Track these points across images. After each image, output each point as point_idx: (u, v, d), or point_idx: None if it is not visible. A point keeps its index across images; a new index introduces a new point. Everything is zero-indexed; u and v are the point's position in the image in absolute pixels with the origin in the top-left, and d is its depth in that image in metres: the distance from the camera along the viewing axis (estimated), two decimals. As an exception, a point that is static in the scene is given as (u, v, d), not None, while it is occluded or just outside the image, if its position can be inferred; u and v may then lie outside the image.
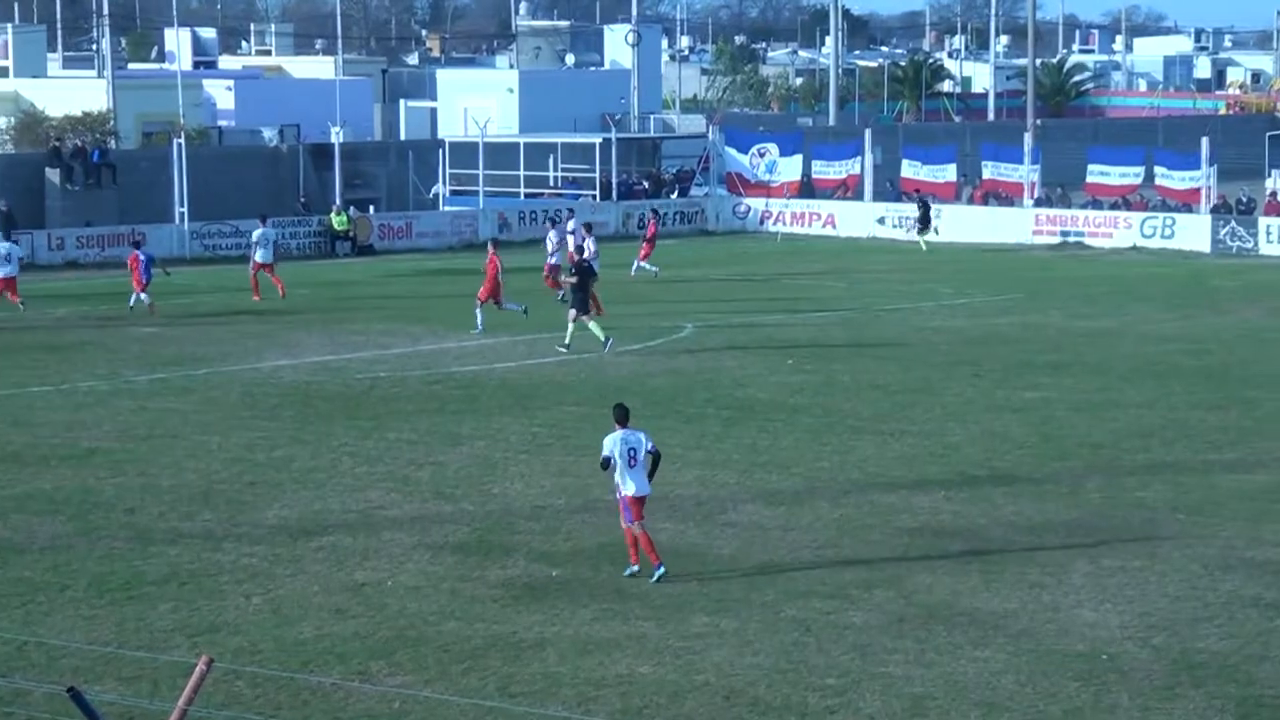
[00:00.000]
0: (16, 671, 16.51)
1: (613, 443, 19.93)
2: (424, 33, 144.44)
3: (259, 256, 45.62)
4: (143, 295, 44.33)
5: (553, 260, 46.04)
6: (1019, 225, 62.33)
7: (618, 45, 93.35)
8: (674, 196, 69.25)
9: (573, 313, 36.55)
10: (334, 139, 61.98)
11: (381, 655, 17.37)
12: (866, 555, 21.09)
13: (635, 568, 20.19)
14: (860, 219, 64.75)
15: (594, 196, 67.18)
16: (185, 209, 56.28)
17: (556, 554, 21.11)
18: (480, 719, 15.75)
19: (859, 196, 66.45)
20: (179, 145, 57.27)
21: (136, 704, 15.33)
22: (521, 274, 44.90)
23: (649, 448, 19.98)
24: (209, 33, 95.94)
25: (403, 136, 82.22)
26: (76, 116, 65.34)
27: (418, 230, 60.50)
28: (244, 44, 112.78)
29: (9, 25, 79.52)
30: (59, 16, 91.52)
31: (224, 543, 21.46)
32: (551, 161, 71.23)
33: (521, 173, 69.38)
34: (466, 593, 19.52)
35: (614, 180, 66.49)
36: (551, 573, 20.32)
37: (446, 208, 65.32)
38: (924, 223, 60.85)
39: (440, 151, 67.90)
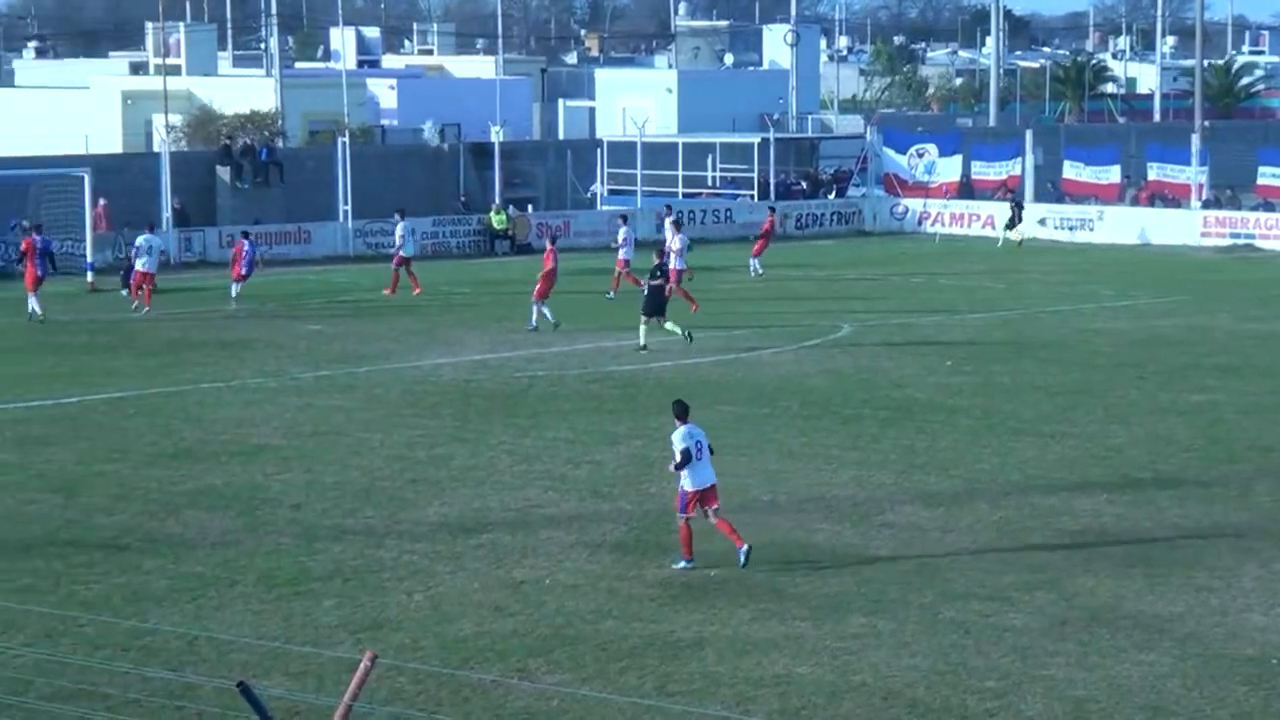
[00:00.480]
0: (187, 666, 16.79)
1: (683, 438, 20.20)
2: (583, 32, 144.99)
3: (405, 251, 46.38)
4: (238, 286, 45.10)
5: (622, 255, 46.07)
6: (1185, 227, 61.39)
7: (776, 45, 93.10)
8: (831, 197, 69.01)
9: (645, 316, 36.38)
10: (494, 138, 62.43)
11: (540, 653, 17.47)
12: (1027, 557, 20.89)
13: (688, 563, 20.29)
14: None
15: (751, 196, 67.09)
16: (349, 207, 56.94)
17: (713, 554, 21.07)
18: (638, 718, 15.80)
19: (1019, 197, 65.76)
20: (343, 144, 57.97)
21: (303, 699, 15.53)
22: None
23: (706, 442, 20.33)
24: (373, 32, 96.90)
25: (561, 136, 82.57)
26: (246, 115, 66.37)
27: (575, 229, 60.72)
28: (407, 43, 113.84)
29: (181, 24, 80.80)
30: (229, 16, 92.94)
31: (386, 540, 21.68)
32: (709, 161, 71.23)
33: (679, 172, 69.43)
34: (624, 591, 19.57)
35: (771, 180, 66.35)
36: (709, 572, 20.32)
37: (604, 207, 65.50)
38: (1014, 221, 60.76)
39: (598, 151, 68.11)
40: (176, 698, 15.74)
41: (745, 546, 20.33)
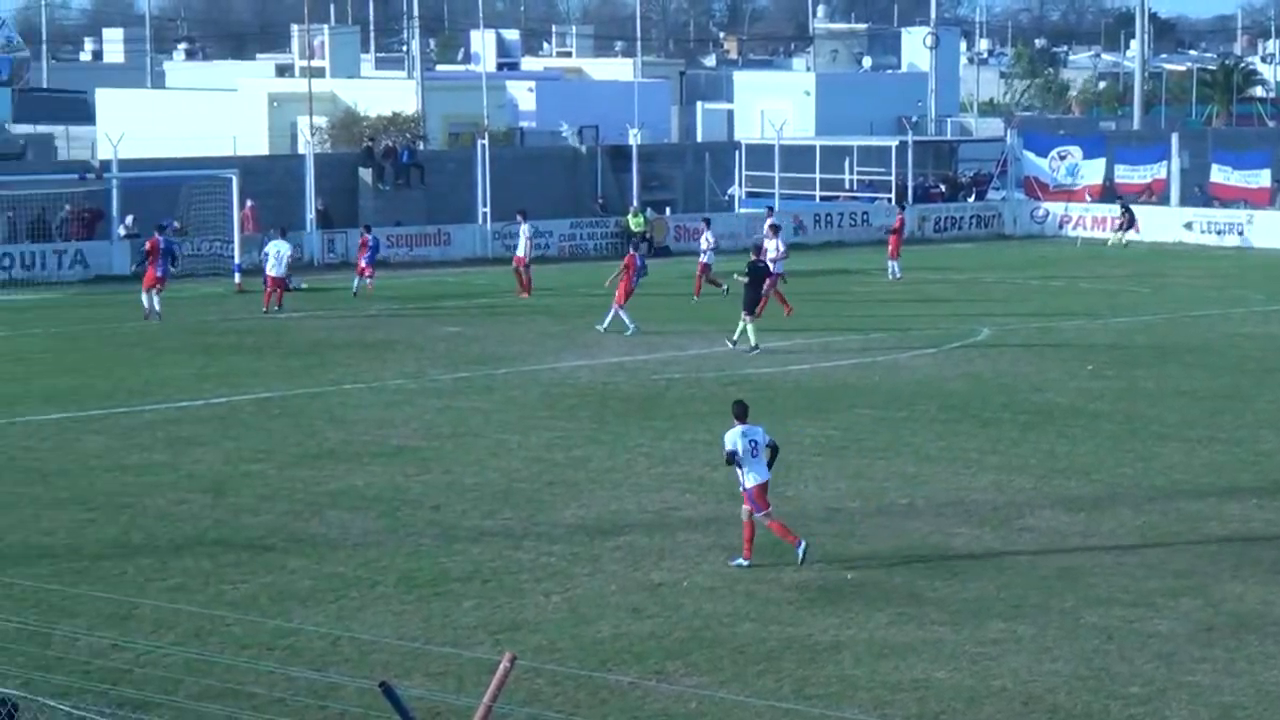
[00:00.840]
0: (331, 666, 16.96)
1: (736, 437, 20.54)
2: (721, 35, 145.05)
3: (520, 252, 46.54)
4: (365, 280, 45.50)
5: (705, 260, 46.26)
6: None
7: (915, 48, 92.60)
8: (970, 200, 68.52)
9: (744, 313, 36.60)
10: (631, 140, 62.57)
11: (677, 655, 17.48)
12: (1172, 563, 20.64)
13: (745, 561, 20.46)
14: (1166, 224, 63.34)
15: (889, 199, 66.77)
16: (488, 209, 57.29)
17: (851, 557, 21.03)
18: (775, 720, 15.78)
19: (1164, 201, 65.00)
20: (483, 146, 58.35)
21: (443, 699, 15.64)
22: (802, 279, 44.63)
23: (767, 440, 20.69)
24: (513, 35, 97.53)
25: (699, 138, 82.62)
26: (388, 117, 67.00)
27: (715, 233, 60.56)
28: (545, 45, 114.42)
29: (325, 27, 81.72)
30: (372, 18, 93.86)
31: (524, 541, 21.79)
32: (847, 164, 70.98)
33: (817, 175, 69.25)
34: (761, 594, 19.55)
35: (909, 183, 66.00)
36: (846, 575, 20.25)
37: (741, 210, 65.45)
38: (1126, 226, 60.71)
39: (736, 153, 68.07)
40: (320, 697, 15.91)
41: (802, 544, 20.55)
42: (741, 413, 20.97)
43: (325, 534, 22.10)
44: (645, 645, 17.80)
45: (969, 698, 16.25)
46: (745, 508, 20.66)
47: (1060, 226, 65.48)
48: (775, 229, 45.15)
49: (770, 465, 20.72)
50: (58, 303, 45.81)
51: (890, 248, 51.43)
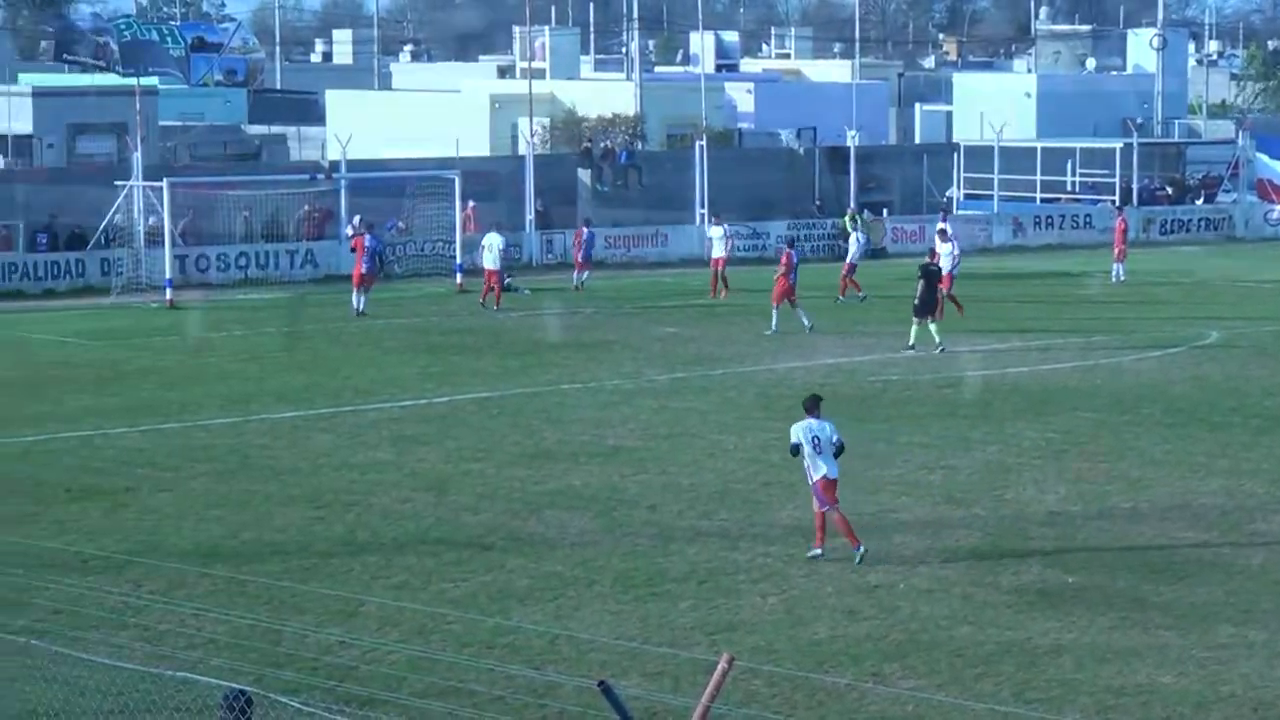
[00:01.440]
0: (549, 664, 17.08)
1: (800, 430, 20.98)
2: (941, 36, 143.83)
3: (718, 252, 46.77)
4: (582, 275, 45.66)
5: (853, 261, 46.34)
6: None
7: (1141, 49, 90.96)
8: (1199, 203, 67.20)
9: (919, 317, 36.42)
10: (849, 142, 62.29)
11: (894, 658, 17.36)
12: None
13: (819, 551, 20.77)
14: None
15: (1113, 202, 65.71)
16: (705, 210, 57.39)
17: (1071, 561, 20.73)
18: (994, 725, 15.60)
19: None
20: (701, 147, 58.47)
21: (660, 699, 15.68)
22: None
23: (835, 439, 21.01)
24: (731, 36, 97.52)
25: (917, 140, 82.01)
26: (608, 118, 67.40)
27: (931, 235, 60.13)
28: (764, 47, 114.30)
29: (546, 28, 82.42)
30: (592, 19, 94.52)
31: (740, 542, 21.77)
32: (1069, 166, 69.99)
33: (1038, 177, 68.37)
34: (979, 598, 19.34)
35: (1134, 185, 64.88)
36: (1067, 579, 19.97)
37: (960, 212, 64.85)
38: None
39: (955, 155, 67.47)
40: (539, 696, 16.03)
41: (861, 548, 20.64)
42: (813, 406, 21.31)
43: (543, 533, 22.27)
44: (861, 647, 17.70)
45: (1196, 703, 15.94)
46: (817, 502, 20.89)
47: (1295, 229, 64.02)
48: (943, 234, 44.04)
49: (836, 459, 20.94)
50: (288, 302, 46.72)
51: (1116, 250, 50.55)
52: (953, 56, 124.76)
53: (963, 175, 66.92)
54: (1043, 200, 67.17)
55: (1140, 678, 16.66)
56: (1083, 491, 24.28)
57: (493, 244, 44.43)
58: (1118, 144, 68.03)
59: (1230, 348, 37.26)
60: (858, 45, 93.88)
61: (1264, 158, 66.11)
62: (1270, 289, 48.88)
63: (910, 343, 36.42)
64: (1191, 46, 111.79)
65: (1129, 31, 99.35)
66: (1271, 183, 65.40)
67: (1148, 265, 53.25)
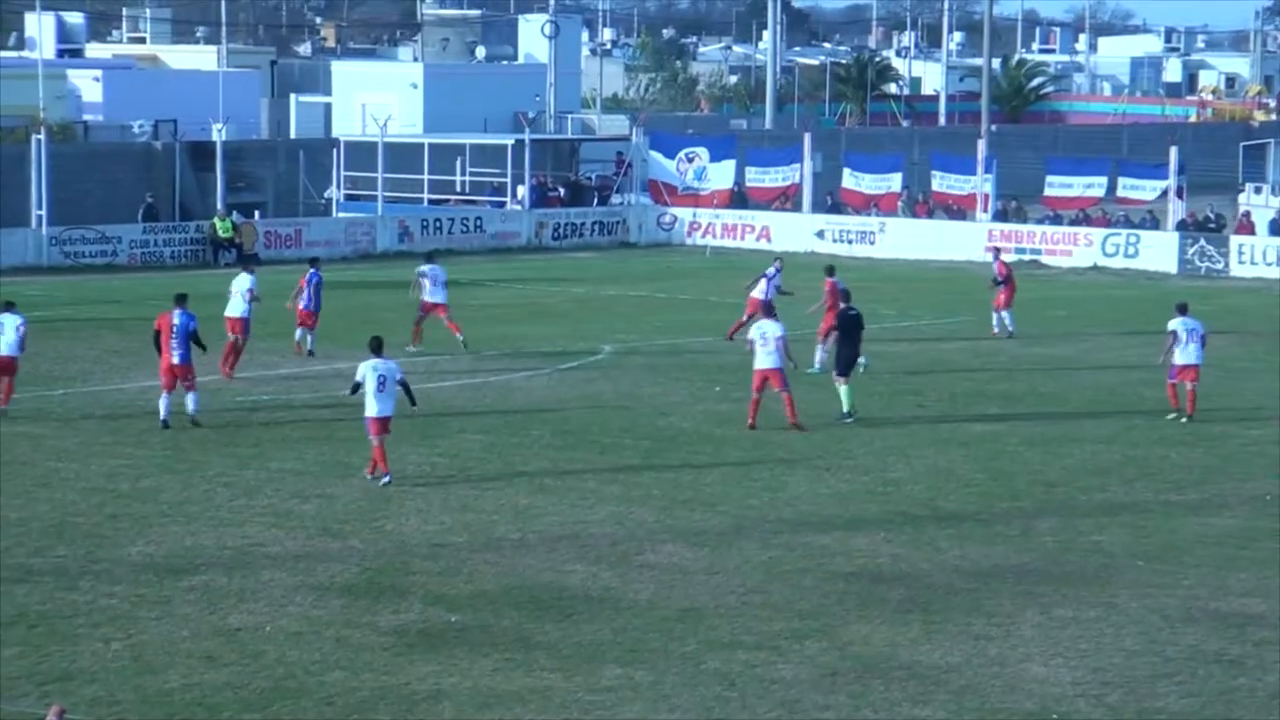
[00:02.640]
0: None
1: (367, 369, 26.50)
2: (318, 21, 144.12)
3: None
4: None
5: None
6: (970, 241, 62.57)
7: (533, 37, 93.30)
8: (594, 205, 69.19)
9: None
10: (215, 136, 61.70)
11: (257, 708, 17.30)
12: (797, 602, 21.15)
13: (387, 478, 26.34)
14: (798, 232, 64.94)
15: (504, 203, 67.13)
16: (44, 212, 55.83)
17: (455, 597, 21.08)
18: (366, 780, 15.72)
19: (797, 208, 66.62)
20: (38, 141, 56.90)
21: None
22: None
23: (399, 377, 26.75)
24: (75, 18, 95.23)
25: (293, 135, 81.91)
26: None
27: (308, 238, 60.24)
28: (115, 31, 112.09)
29: None
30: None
31: (80, 581, 21.33)
32: (459, 164, 71.10)
33: (425, 176, 69.20)
34: (354, 640, 19.46)
35: (528, 185, 66.41)
36: (450, 618, 20.30)
37: (341, 214, 65.08)
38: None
39: (335, 152, 67.65)
40: None
41: (389, 476, 26.52)
42: (377, 346, 26.82)
43: None
44: (220, 696, 17.58)
45: (580, 750, 16.40)
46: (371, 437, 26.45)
47: (689, 234, 66.56)
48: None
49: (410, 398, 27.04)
50: None
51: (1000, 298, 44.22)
52: (332, 43, 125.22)
53: (343, 173, 67.14)
54: (430, 201, 67.97)
55: (524, 722, 17.08)
56: (468, 521, 24.74)
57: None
58: (509, 140, 69.41)
59: (623, 363, 38.56)
60: (224, 30, 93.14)
61: (658, 156, 68.49)
62: (664, 299, 50.82)
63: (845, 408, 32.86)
64: (585, 35, 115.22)
65: (520, 18, 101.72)
66: (665, 183, 67.80)
67: (540, 273, 54.63)
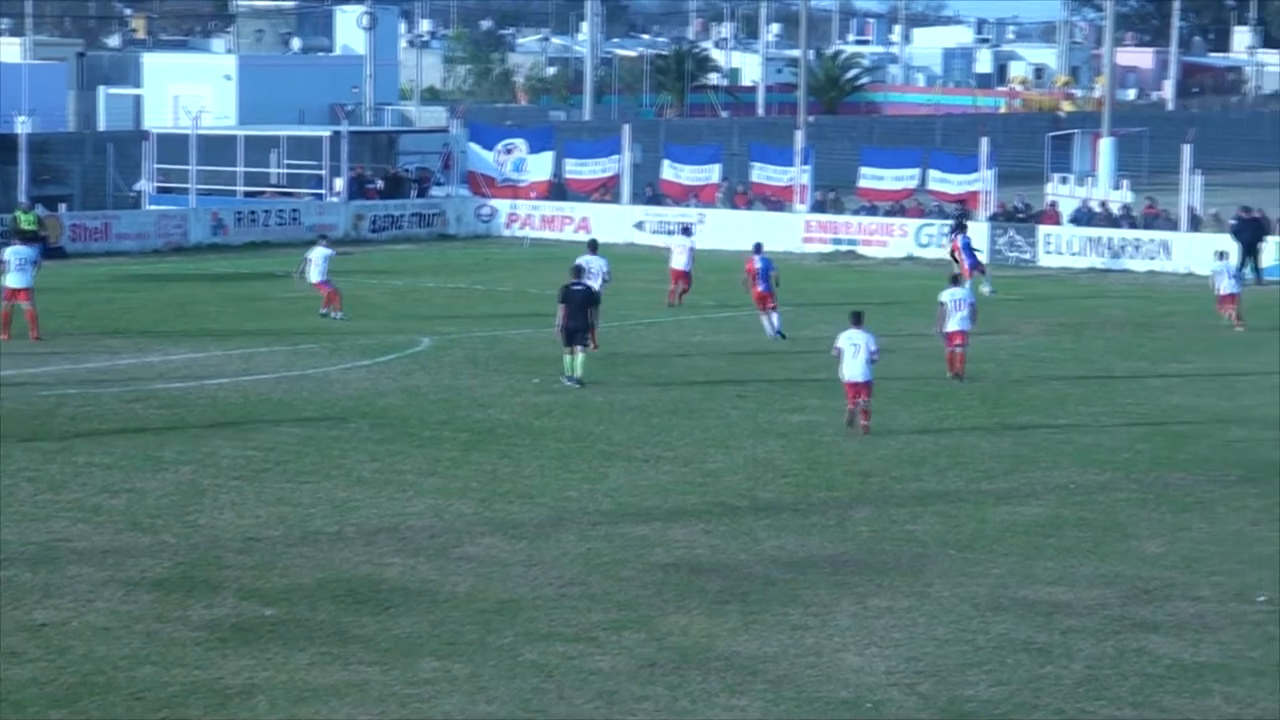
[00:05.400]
0: None
1: None
2: (128, 12, 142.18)
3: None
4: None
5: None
6: (788, 232, 63.13)
7: (350, 29, 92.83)
8: (413, 197, 68.98)
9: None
10: (19, 129, 60.78)
11: (64, 704, 17.08)
12: (615, 593, 21.19)
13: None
14: (618, 224, 65.08)
15: (322, 196, 66.69)
16: None
17: (270, 591, 20.92)
18: (179, 778, 15.57)
19: (616, 199, 66.80)
20: None
21: None
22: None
23: None
24: None
25: (101, 127, 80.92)
26: None
27: (117, 231, 59.59)
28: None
29: None
30: None
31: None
32: (274, 157, 70.57)
33: (240, 169, 68.63)
34: (165, 634, 19.26)
35: (345, 178, 66.02)
36: (264, 612, 20.14)
37: (152, 207, 64.37)
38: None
39: (145, 144, 66.93)
40: None
41: None
42: None
43: None
44: (24, 693, 17.33)
45: (395, 744, 16.35)
46: None
47: (508, 226, 66.59)
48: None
49: None
50: None
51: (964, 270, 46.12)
52: (142, 35, 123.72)
53: (155, 166, 66.44)
54: (245, 194, 67.45)
55: (340, 717, 16.97)
56: (284, 515, 24.55)
57: None
58: (326, 132, 69.06)
59: (441, 356, 38.45)
60: (30, 21, 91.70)
61: (477, 148, 68.47)
62: (484, 291, 50.75)
63: (570, 372, 34.57)
64: (403, 26, 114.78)
65: (336, 9, 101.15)
66: (484, 175, 67.79)
67: (359, 266, 54.28)
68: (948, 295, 35.94)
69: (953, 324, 35.75)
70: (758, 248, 42.98)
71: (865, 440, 30.14)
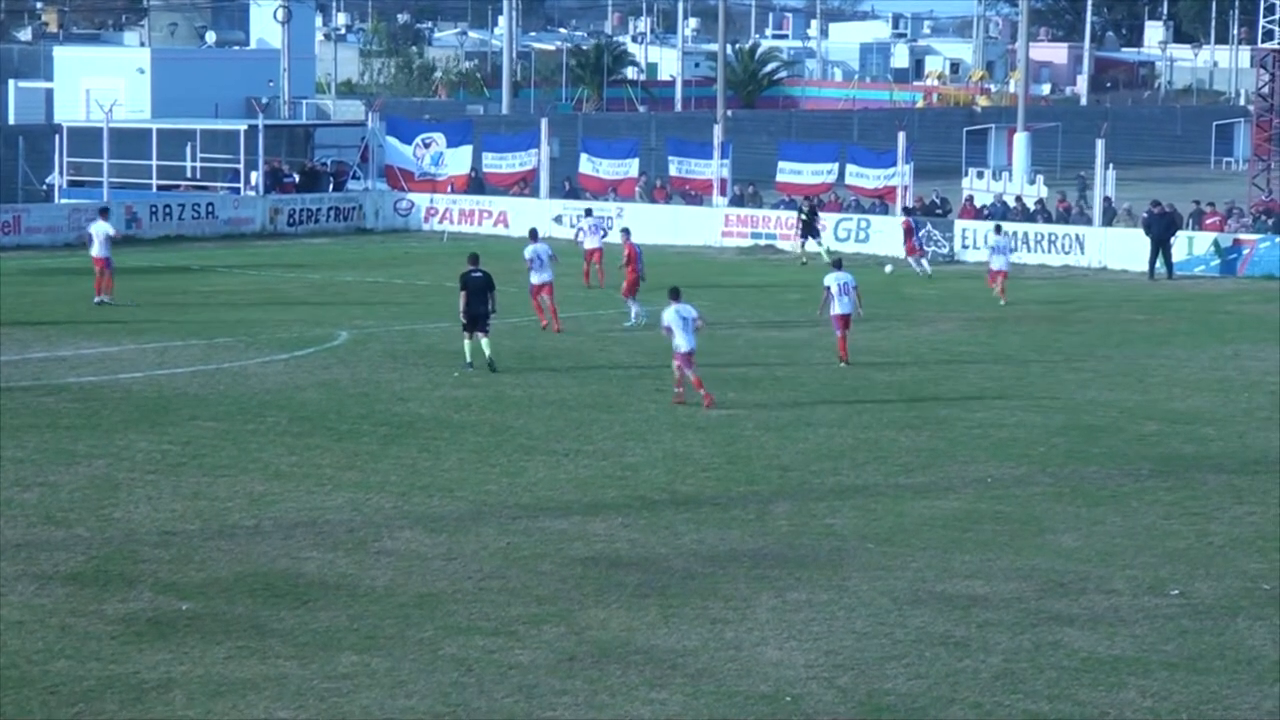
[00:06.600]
0: None
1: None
2: (39, 5, 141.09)
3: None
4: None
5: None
6: (707, 226, 63.24)
7: (265, 22, 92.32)
8: (330, 190, 68.75)
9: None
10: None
11: (-19, 700, 16.97)
12: (535, 587, 21.19)
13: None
14: (536, 217, 64.91)
15: (238, 190, 66.37)
16: None
17: (187, 585, 20.83)
18: (96, 774, 15.49)
19: (535, 193, 66.75)
20: None
21: None
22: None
23: None
24: None
25: (11, 121, 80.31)
26: None
27: (28, 225, 59.19)
28: None
29: None
30: None
31: None
32: (189, 150, 70.17)
33: (154, 162, 68.19)
34: (80, 628, 19.15)
35: (261, 172, 65.71)
36: (181, 606, 20.05)
37: (63, 200, 63.91)
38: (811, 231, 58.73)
39: (57, 138, 66.44)
40: None
41: None
42: None
43: None
44: (-59, 693, 17.19)
45: (315, 738, 16.31)
46: None
47: (426, 220, 66.47)
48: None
49: None
50: None
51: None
52: (54, 28, 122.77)
53: (66, 160, 65.99)
54: (159, 188, 67.06)
55: (257, 711, 16.92)
56: (201, 509, 24.44)
57: None
58: (242, 126, 68.74)
59: (360, 350, 38.34)
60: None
61: (395, 142, 68.35)
62: (402, 285, 50.64)
63: (469, 360, 35.57)
64: (319, 20, 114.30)
65: (252, 2, 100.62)
66: (402, 169, 67.67)
67: (275, 259, 54.12)
68: (832, 279, 36.83)
69: (840, 307, 36.64)
70: (627, 232, 45.31)
71: (784, 434, 30.22)
